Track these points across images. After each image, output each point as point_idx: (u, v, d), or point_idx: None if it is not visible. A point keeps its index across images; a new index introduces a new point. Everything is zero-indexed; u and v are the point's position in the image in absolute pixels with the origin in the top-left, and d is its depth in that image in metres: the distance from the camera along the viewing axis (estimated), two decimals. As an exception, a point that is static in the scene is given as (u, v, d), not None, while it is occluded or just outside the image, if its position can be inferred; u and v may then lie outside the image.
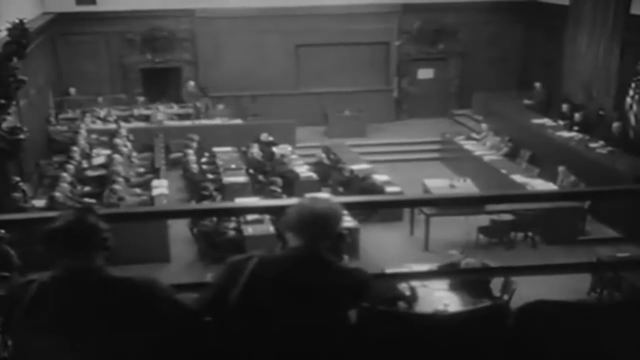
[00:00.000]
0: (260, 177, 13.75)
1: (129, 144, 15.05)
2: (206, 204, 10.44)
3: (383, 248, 11.13)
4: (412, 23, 18.80)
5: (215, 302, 2.47)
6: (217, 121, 17.00)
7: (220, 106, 17.54)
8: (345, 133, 16.86)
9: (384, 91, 19.15)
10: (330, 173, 14.40)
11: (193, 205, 11.00)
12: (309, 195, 3.06)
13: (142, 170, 14.22)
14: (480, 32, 18.92)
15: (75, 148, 14.31)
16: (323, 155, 15.37)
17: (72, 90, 17.57)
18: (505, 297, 8.23)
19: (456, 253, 9.04)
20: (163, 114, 17.16)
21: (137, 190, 12.73)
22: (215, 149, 15.33)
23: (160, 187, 12.61)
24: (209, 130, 16.17)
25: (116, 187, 11.93)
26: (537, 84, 17.06)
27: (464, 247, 10.12)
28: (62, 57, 17.67)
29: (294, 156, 15.16)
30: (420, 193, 12.73)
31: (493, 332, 2.64)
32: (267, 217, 10.66)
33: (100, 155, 14.59)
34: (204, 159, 14.92)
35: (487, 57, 19.06)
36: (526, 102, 16.95)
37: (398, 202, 7.08)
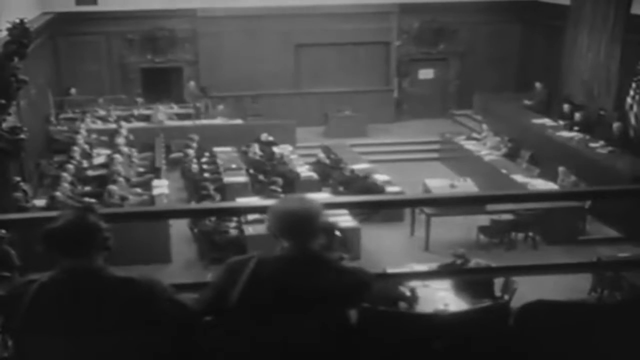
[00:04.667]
0: (261, 177, 13.75)
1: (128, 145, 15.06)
2: (206, 204, 10.45)
3: (384, 248, 11.12)
4: (412, 23, 18.80)
5: (215, 302, 2.47)
6: (218, 121, 17.01)
7: (221, 106, 17.54)
8: (345, 133, 16.85)
9: (384, 91, 19.15)
10: (329, 173, 14.41)
11: (193, 205, 11.00)
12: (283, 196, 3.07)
13: (142, 170, 14.22)
14: (480, 32, 18.91)
15: (75, 148, 14.31)
16: (322, 155, 15.37)
17: (73, 90, 17.57)
18: (506, 297, 8.23)
19: (461, 251, 9.05)
20: (163, 114, 17.16)
21: (138, 190, 12.73)
22: (216, 149, 15.32)
23: (161, 186, 12.61)
24: (209, 130, 16.16)
25: (113, 187, 11.90)
26: (538, 84, 17.05)
27: (465, 247, 10.09)
28: (62, 57, 17.66)
29: (294, 156, 15.17)
30: (420, 193, 12.73)
31: (493, 332, 2.64)
32: (267, 217, 10.63)
33: (100, 155, 14.60)
34: (204, 159, 14.92)
35: (487, 57, 19.05)
36: (526, 102, 16.94)
37: (399, 202, 7.09)
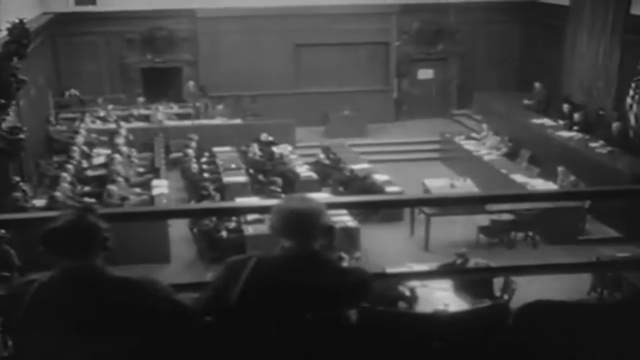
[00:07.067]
0: (260, 177, 13.76)
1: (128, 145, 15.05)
2: (206, 204, 10.45)
3: (383, 248, 11.12)
4: (411, 23, 18.80)
5: (214, 302, 2.47)
6: (217, 121, 17.00)
7: (220, 106, 17.54)
8: (345, 133, 16.85)
9: (384, 91, 19.14)
10: (329, 173, 14.40)
11: (193, 205, 11.00)
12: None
13: (142, 170, 14.22)
14: (480, 32, 18.92)
15: (75, 148, 14.31)
16: (322, 155, 15.37)
17: (72, 90, 17.56)
18: (505, 296, 8.23)
19: (463, 251, 9.07)
20: (163, 113, 17.16)
21: (137, 190, 12.74)
22: (215, 149, 15.32)
23: (160, 186, 12.61)
24: (208, 130, 16.16)
25: (112, 187, 11.89)
26: (537, 84, 17.05)
27: (465, 247, 10.11)
28: (62, 57, 17.66)
29: (293, 156, 15.16)
30: (420, 193, 12.73)
31: (493, 332, 2.64)
32: (267, 216, 10.62)
33: (100, 155, 14.60)
34: (203, 159, 14.93)
35: (487, 57, 19.05)
36: (526, 102, 16.95)
37: (398, 202, 7.09)
